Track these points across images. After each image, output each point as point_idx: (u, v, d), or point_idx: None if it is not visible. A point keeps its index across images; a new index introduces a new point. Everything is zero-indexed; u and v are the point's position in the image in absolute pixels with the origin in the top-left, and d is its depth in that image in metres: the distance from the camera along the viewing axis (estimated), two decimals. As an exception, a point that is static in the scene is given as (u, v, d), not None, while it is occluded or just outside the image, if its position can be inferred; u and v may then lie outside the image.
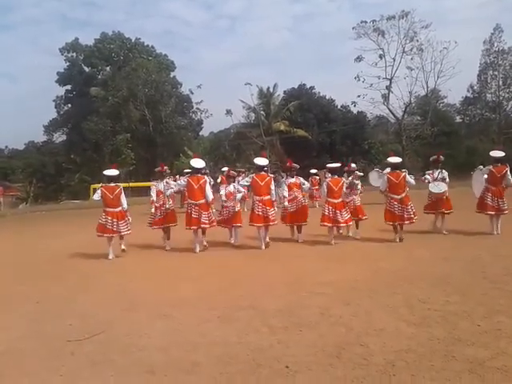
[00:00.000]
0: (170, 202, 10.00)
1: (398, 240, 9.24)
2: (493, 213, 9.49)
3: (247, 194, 17.01)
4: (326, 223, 9.36)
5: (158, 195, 9.87)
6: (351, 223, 9.77)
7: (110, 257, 8.95)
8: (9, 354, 4.30)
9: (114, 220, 8.95)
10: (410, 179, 9.39)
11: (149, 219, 10.10)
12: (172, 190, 9.97)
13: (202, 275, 7.31)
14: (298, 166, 10.32)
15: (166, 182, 10.11)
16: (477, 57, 39.25)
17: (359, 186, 10.14)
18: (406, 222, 9.22)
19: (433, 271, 6.66)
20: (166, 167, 10.64)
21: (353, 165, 11.10)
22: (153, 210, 9.92)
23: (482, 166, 10.41)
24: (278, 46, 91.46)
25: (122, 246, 9.13)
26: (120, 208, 9.09)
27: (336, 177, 9.67)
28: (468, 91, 40.68)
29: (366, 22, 35.17)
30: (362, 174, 10.65)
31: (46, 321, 5.22)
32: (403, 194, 9.26)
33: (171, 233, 10.01)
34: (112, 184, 9.18)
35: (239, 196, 10.05)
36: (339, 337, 4.23)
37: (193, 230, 9.34)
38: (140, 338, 4.46)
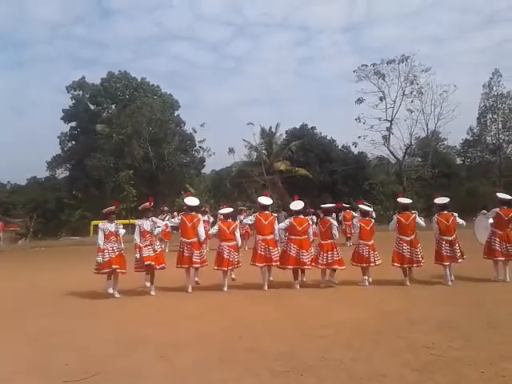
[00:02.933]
0: (158, 244, 9.41)
1: (407, 283, 9.05)
2: (502, 259, 9.18)
3: (250, 233, 17.00)
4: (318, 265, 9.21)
5: (144, 235, 9.02)
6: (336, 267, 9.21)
7: (116, 294, 8.92)
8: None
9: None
10: (420, 221, 9.37)
11: (135, 264, 9.09)
12: (160, 229, 9.45)
13: (202, 315, 7.22)
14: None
15: (152, 221, 9.28)
16: (476, 100, 39.94)
17: (355, 229, 9.68)
18: (415, 265, 9.12)
19: (436, 315, 6.58)
20: (151, 204, 9.68)
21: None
22: (137, 256, 8.94)
23: (485, 211, 10.31)
24: (281, 87, 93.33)
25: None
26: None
27: (324, 217, 9.55)
28: (468, 134, 41.30)
29: (366, 65, 36.00)
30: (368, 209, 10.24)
31: (43, 359, 5.14)
32: (412, 236, 9.18)
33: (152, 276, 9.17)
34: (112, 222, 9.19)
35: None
36: (340, 381, 4.15)
37: (184, 268, 9.26)
38: (138, 380, 4.38)
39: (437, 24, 75.56)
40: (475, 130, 40.57)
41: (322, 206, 10.21)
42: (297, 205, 9.60)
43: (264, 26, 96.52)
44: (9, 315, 7.73)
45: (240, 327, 6.30)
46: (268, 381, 4.23)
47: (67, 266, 15.25)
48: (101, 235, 8.93)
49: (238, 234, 9.54)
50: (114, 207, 9.45)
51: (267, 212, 9.66)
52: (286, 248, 9.27)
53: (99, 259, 8.78)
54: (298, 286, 9.18)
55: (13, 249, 25.45)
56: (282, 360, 4.78)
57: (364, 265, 9.35)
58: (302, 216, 9.50)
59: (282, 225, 9.51)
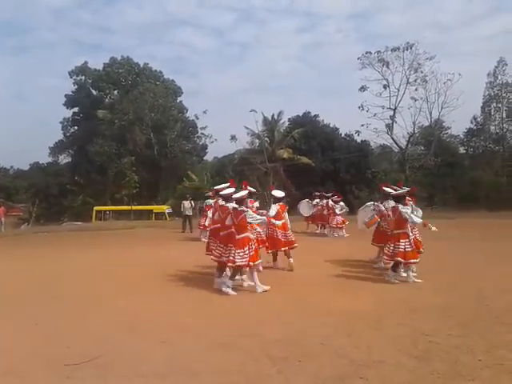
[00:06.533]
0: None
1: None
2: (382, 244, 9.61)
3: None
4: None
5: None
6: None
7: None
8: (10, 375, 4.29)
9: None
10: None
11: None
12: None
13: (207, 300, 7.25)
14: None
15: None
16: (481, 89, 39.55)
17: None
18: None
19: (437, 303, 6.62)
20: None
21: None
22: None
23: (371, 202, 10.74)
24: (285, 74, 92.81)
25: None
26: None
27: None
28: (471, 123, 40.89)
29: (370, 52, 35.58)
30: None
31: (46, 343, 5.20)
32: None
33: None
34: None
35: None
36: (339, 368, 4.19)
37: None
38: (140, 364, 4.43)
39: (443, 12, 74.76)
40: (479, 119, 40.21)
41: (393, 193, 9.46)
42: (280, 193, 10.12)
43: (269, 12, 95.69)
44: (12, 299, 7.75)
45: (243, 313, 6.37)
46: (267, 367, 4.29)
47: (70, 250, 15.23)
48: None
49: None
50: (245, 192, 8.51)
51: (282, 203, 10.16)
52: (273, 233, 9.79)
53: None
54: (291, 260, 9.67)
55: (15, 234, 25.48)
56: (283, 346, 4.83)
57: None
58: (281, 203, 9.99)
59: (272, 212, 9.46)
